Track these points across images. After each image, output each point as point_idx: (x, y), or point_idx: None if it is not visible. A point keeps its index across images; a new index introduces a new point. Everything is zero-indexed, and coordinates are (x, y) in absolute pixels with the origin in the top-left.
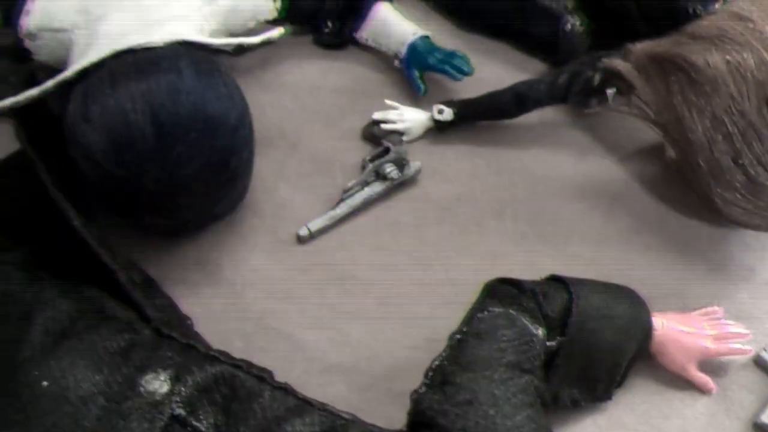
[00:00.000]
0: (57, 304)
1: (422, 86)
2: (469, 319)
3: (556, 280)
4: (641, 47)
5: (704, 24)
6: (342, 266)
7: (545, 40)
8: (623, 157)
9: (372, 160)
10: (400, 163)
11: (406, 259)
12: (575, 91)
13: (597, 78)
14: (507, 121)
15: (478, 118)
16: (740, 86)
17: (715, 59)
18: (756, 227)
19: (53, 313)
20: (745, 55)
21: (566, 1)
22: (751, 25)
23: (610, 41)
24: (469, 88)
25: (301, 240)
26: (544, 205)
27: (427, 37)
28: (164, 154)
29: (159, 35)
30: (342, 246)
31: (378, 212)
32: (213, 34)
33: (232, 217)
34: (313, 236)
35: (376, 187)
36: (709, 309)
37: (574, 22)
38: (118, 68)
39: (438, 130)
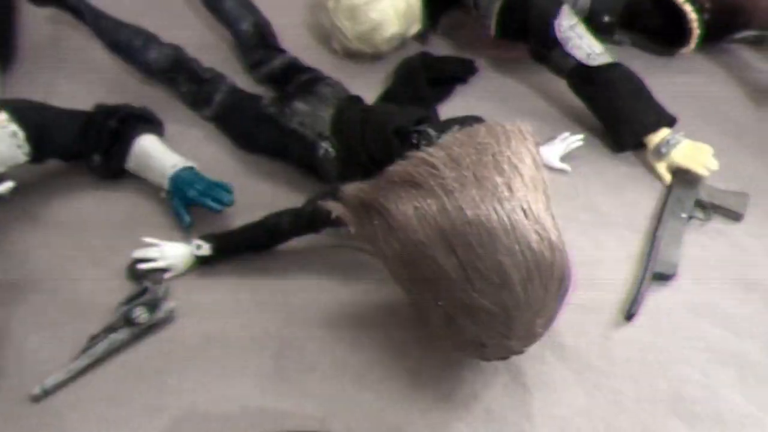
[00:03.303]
0: None
1: (187, 218)
2: None
3: None
4: (351, 189)
5: (398, 169)
6: (72, 426)
7: (306, 163)
8: (380, 280)
9: (128, 302)
10: (153, 306)
11: (140, 412)
12: (321, 222)
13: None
14: (275, 249)
15: (236, 251)
16: (427, 232)
17: (405, 206)
18: (471, 356)
19: None
20: (429, 201)
21: (322, 128)
22: (435, 171)
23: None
24: (241, 214)
25: (35, 399)
26: (296, 338)
27: (191, 168)
28: None
29: None
30: (77, 402)
31: (124, 358)
32: None
33: None
34: (48, 394)
35: (122, 334)
36: None
37: (327, 148)
38: None
39: (201, 264)
